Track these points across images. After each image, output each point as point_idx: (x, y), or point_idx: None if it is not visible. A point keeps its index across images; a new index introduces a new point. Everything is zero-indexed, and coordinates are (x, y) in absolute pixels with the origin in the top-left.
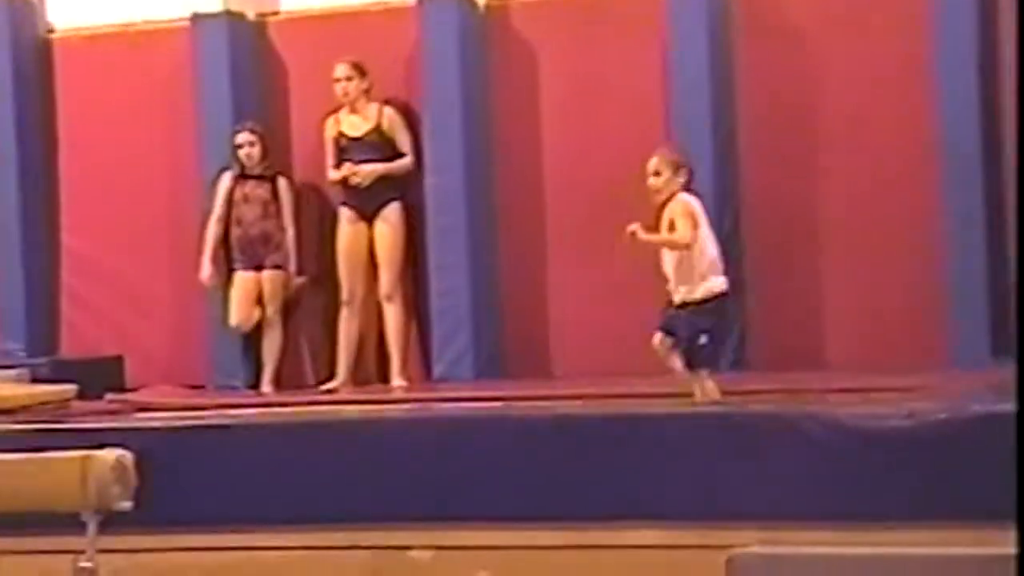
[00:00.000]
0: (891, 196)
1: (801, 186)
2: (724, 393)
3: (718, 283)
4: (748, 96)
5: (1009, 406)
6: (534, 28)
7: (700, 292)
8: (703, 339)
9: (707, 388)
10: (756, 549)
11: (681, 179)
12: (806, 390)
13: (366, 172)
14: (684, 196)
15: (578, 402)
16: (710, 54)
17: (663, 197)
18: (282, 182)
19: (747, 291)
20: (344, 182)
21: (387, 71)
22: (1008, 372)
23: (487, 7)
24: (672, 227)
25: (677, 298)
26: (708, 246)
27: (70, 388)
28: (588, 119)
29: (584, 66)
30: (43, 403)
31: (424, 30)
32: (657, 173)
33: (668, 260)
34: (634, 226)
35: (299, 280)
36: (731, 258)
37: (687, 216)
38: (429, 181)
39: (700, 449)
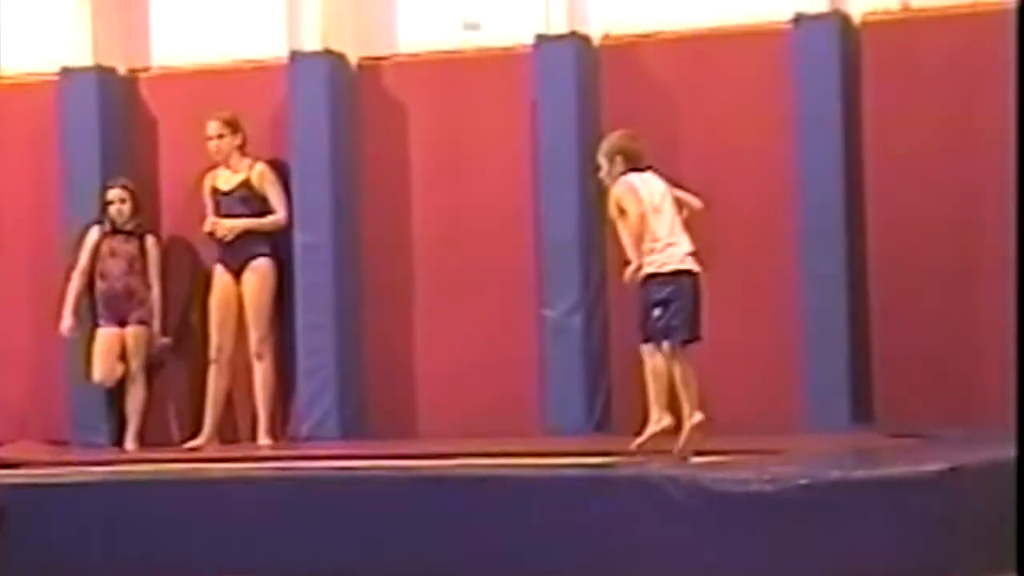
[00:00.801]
0: (749, 256)
1: None
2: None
3: (674, 257)
4: None
5: (868, 472)
6: (404, 85)
7: (652, 267)
8: (657, 311)
9: (657, 363)
10: None
11: (620, 166)
12: (667, 452)
13: (228, 227)
14: (625, 178)
15: (442, 462)
16: (577, 120)
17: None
18: (150, 240)
19: (611, 355)
20: (218, 242)
21: (258, 127)
22: (866, 437)
23: (359, 65)
24: (622, 212)
25: (639, 275)
26: (654, 221)
27: None
28: (458, 178)
29: (454, 124)
30: None
31: (294, 87)
32: (598, 168)
33: (628, 244)
34: (628, 274)
35: (163, 341)
36: (596, 324)
37: (628, 195)
38: (298, 238)
39: (563, 511)
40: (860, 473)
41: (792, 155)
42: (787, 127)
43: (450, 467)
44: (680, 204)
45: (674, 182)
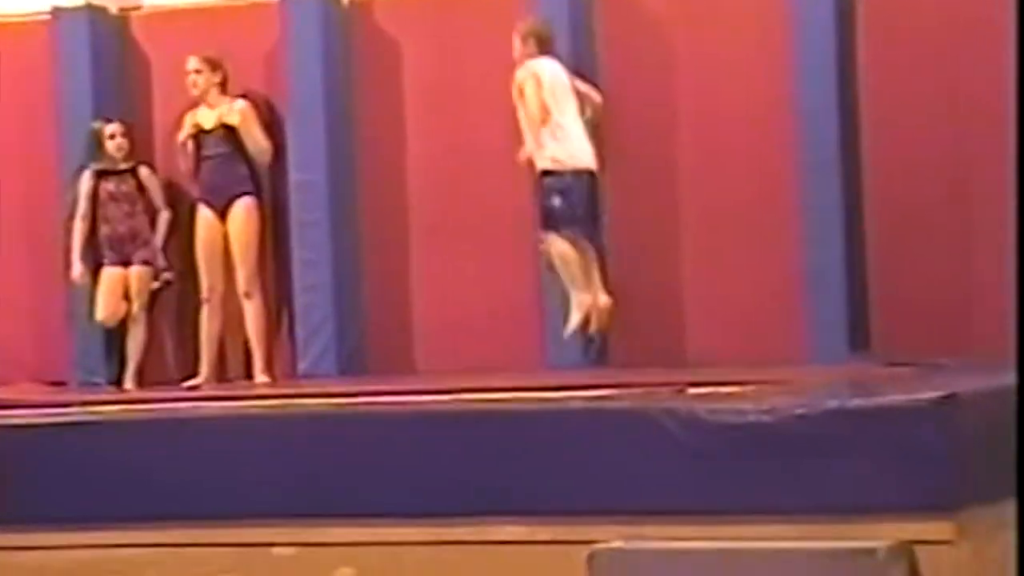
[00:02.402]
0: (748, 192)
1: (658, 184)
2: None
3: (574, 153)
4: (610, 88)
5: (865, 401)
6: (397, 23)
7: (552, 160)
8: (556, 201)
9: (561, 250)
10: (617, 544)
11: (531, 48)
12: (664, 383)
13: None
14: (531, 63)
15: (440, 397)
16: (572, 46)
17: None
18: (144, 171)
19: (611, 288)
20: (199, 178)
21: (250, 66)
22: (864, 367)
23: (351, 2)
24: (521, 94)
25: (540, 165)
26: (555, 111)
27: None
28: (451, 115)
29: (447, 61)
30: None
31: (287, 25)
32: (523, 40)
33: (529, 137)
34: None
35: (166, 275)
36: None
37: (531, 80)
38: (292, 176)
39: (561, 445)
40: (857, 402)
41: (789, 87)
42: (785, 63)
43: (449, 402)
44: (583, 99)
45: (667, 114)
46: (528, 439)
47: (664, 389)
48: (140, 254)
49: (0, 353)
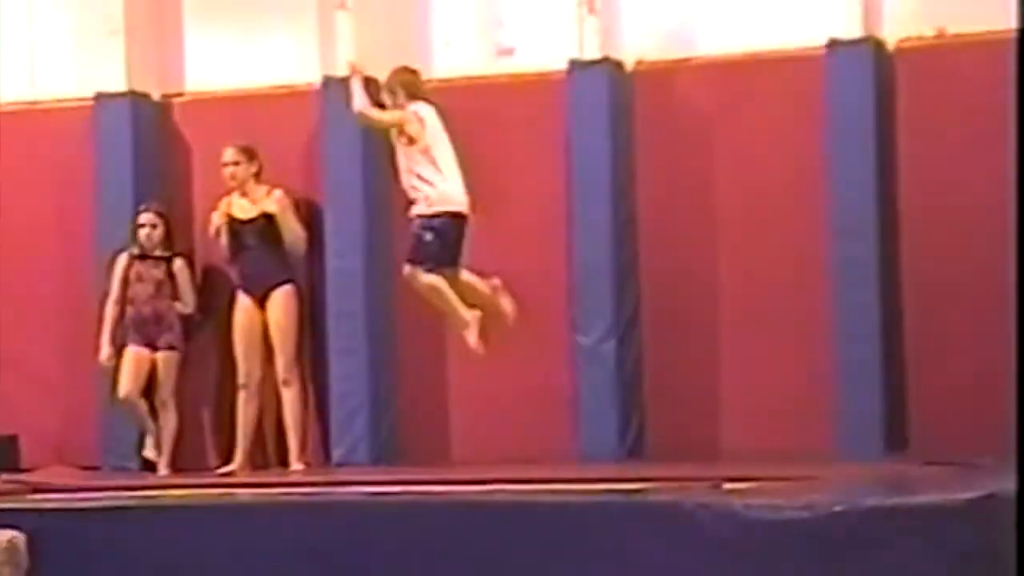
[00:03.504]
0: (783, 287)
1: (697, 276)
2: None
3: (452, 197)
4: (647, 181)
5: (903, 499)
6: (439, 111)
7: (430, 202)
8: (428, 237)
9: (430, 280)
10: None
11: (401, 98)
12: (700, 479)
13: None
14: (414, 105)
15: (474, 488)
16: (610, 146)
17: None
18: (177, 263)
19: (644, 382)
20: (237, 267)
21: (289, 153)
22: (900, 466)
23: None
24: (401, 134)
25: (414, 210)
26: (436, 152)
27: None
28: (491, 203)
29: (487, 150)
30: None
31: (326, 113)
32: (391, 92)
33: (406, 174)
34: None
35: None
36: (629, 348)
37: (414, 120)
38: (330, 264)
39: (596, 538)
40: (894, 500)
41: (825, 182)
42: (821, 153)
43: (482, 493)
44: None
45: (706, 207)
46: (562, 532)
47: (699, 483)
48: (166, 338)
49: (34, 435)
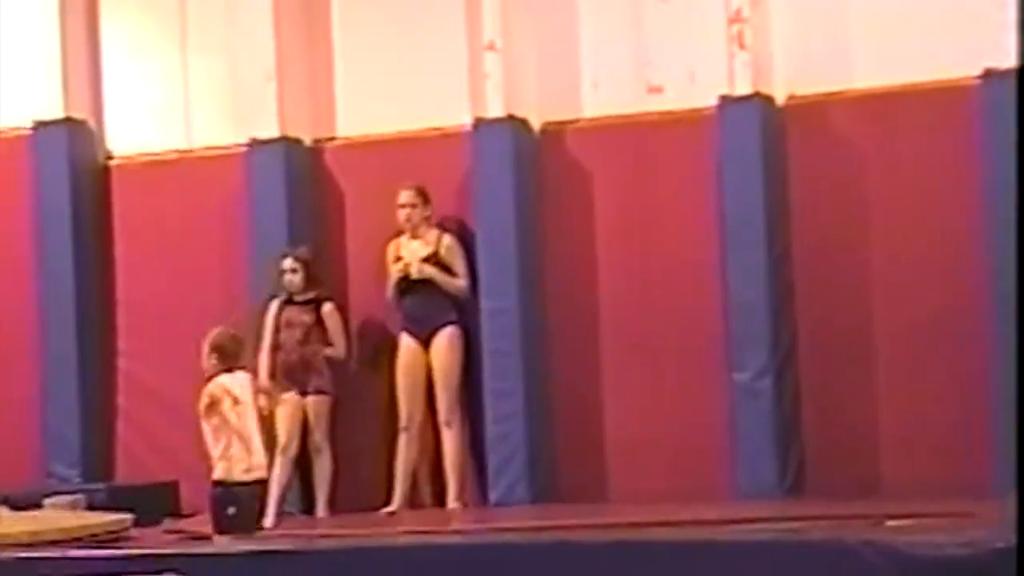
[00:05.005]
0: (941, 318)
1: (853, 309)
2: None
3: (256, 466)
4: (800, 215)
5: None
6: (589, 150)
7: (235, 471)
8: (230, 510)
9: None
10: None
11: (212, 361)
12: (862, 516)
13: (420, 267)
14: (219, 379)
15: (632, 529)
16: (763, 182)
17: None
18: (326, 307)
19: (802, 417)
20: (402, 308)
21: (442, 194)
22: None
23: (542, 130)
24: (210, 408)
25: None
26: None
27: (126, 518)
28: (643, 241)
29: (639, 188)
30: (99, 532)
31: (478, 154)
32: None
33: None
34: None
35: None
36: (786, 383)
37: (221, 394)
38: (484, 304)
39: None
40: None
41: (980, 215)
42: (975, 186)
43: (642, 534)
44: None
45: (861, 240)
46: (723, 572)
47: (861, 520)
48: (315, 382)
49: (194, 480)
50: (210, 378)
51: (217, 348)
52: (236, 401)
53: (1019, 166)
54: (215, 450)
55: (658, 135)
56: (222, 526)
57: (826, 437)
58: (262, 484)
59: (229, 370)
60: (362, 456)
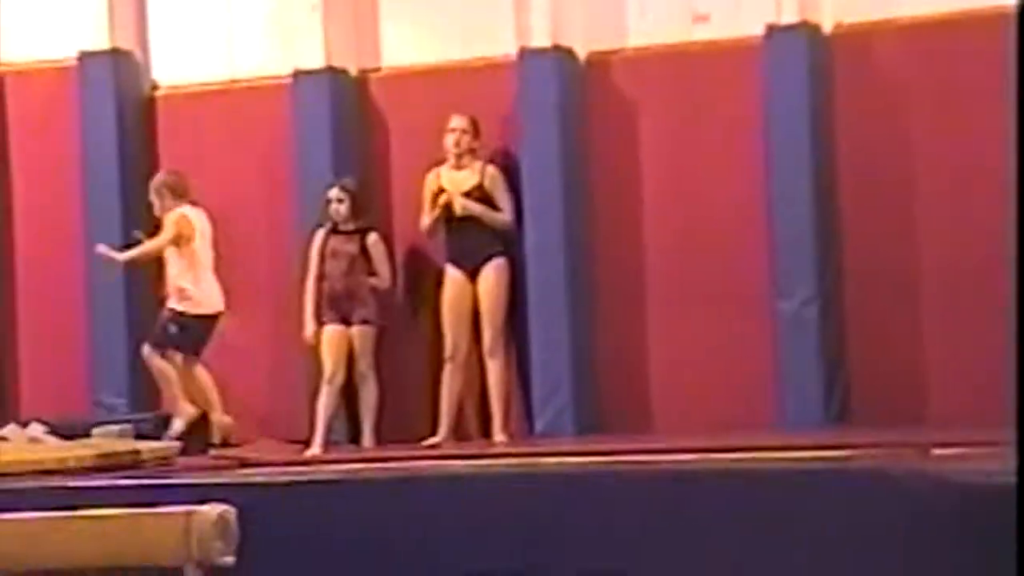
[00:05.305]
0: (988, 251)
1: (900, 243)
2: None
3: (211, 300)
4: (847, 145)
5: None
6: (634, 80)
7: (189, 302)
8: (173, 328)
9: (155, 365)
10: None
11: (167, 199)
12: (907, 444)
13: (463, 202)
14: (180, 209)
15: (679, 457)
16: (810, 112)
17: None
18: (371, 237)
19: (848, 346)
20: (447, 240)
21: (487, 125)
22: None
23: (587, 60)
24: (175, 235)
25: (169, 302)
26: (202, 254)
27: (174, 445)
28: (688, 171)
29: (684, 118)
30: (147, 460)
31: (523, 84)
32: (158, 194)
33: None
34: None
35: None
36: (833, 317)
37: (183, 221)
38: (528, 235)
39: (801, 504)
40: None
41: None
42: None
43: (686, 462)
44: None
45: (908, 171)
46: (768, 499)
47: (906, 449)
48: (359, 312)
49: (241, 410)
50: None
51: (168, 185)
52: (202, 235)
53: (1019, 160)
54: (182, 281)
55: (704, 64)
56: (158, 341)
57: (872, 367)
58: (214, 318)
59: (181, 200)
60: (407, 386)
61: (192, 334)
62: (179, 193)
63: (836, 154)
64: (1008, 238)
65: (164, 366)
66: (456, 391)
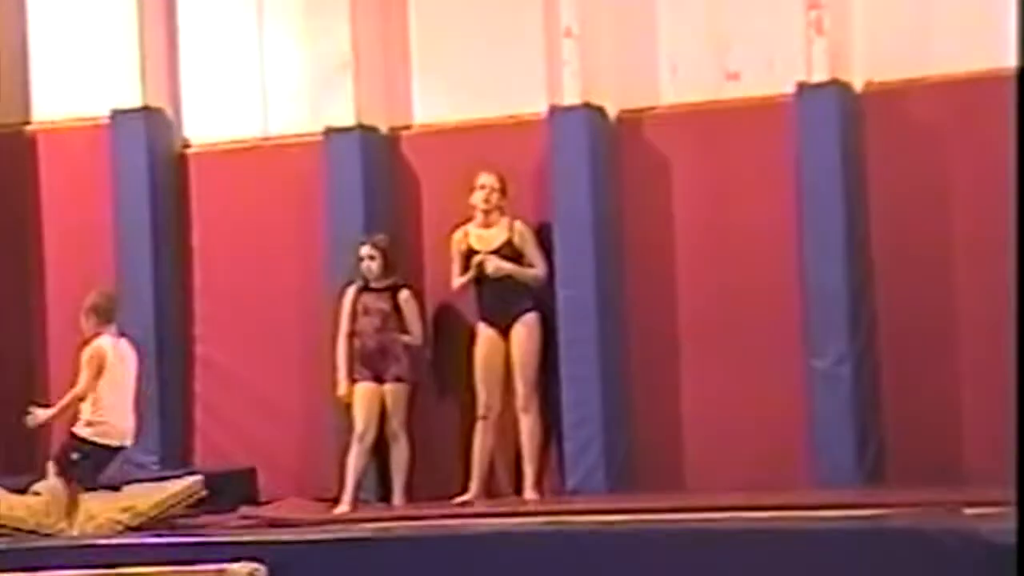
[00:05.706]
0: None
1: (934, 295)
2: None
3: (118, 432)
4: (879, 201)
5: None
6: (665, 138)
7: (95, 431)
8: (77, 456)
9: (48, 482)
10: None
11: (92, 322)
12: (941, 503)
13: (497, 264)
14: (98, 341)
15: (711, 515)
16: (841, 169)
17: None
18: (403, 294)
19: (882, 403)
20: (479, 298)
21: (518, 183)
22: None
23: (618, 118)
24: (87, 365)
25: (76, 426)
26: (105, 388)
27: (198, 479)
28: (721, 228)
29: (716, 175)
30: (174, 504)
31: (554, 142)
32: (86, 315)
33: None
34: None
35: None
36: (865, 369)
37: (95, 355)
38: (561, 292)
39: (835, 563)
40: None
41: None
42: None
43: (719, 521)
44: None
45: (941, 226)
46: (802, 558)
47: (941, 508)
48: (393, 370)
49: (271, 467)
50: (89, 339)
51: (95, 308)
52: (122, 362)
53: (1019, 167)
54: (90, 409)
55: (736, 122)
56: (60, 464)
57: (906, 423)
58: (117, 451)
59: (107, 326)
60: (439, 444)
61: (92, 462)
62: (106, 318)
63: (868, 211)
64: None
65: (58, 487)
66: (488, 448)
